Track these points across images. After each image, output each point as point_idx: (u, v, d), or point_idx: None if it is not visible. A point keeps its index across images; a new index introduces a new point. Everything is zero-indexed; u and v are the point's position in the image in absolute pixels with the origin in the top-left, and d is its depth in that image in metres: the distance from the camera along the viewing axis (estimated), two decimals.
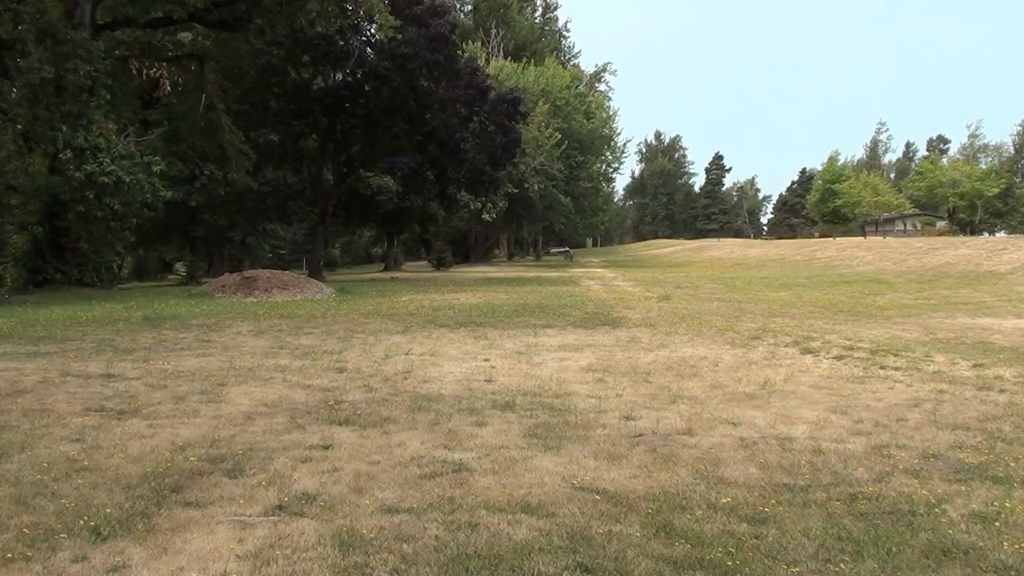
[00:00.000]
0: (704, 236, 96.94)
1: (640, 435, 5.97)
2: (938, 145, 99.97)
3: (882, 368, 8.92)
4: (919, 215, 70.85)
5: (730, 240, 74.43)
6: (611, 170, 75.66)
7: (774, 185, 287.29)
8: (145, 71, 31.07)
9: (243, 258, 44.87)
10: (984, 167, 66.93)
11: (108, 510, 4.27)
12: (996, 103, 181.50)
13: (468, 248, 65.81)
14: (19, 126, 24.65)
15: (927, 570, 3.57)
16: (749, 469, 5.11)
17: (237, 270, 29.64)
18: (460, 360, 9.65)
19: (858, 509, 4.33)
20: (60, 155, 22.71)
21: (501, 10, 68.14)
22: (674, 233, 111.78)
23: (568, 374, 8.73)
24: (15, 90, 22.86)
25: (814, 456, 5.38)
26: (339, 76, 35.06)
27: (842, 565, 3.61)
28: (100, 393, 7.53)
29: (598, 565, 3.61)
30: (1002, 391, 7.57)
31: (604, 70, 79.98)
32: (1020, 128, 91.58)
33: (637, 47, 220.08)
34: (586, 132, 62.40)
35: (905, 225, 69.70)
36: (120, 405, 7.00)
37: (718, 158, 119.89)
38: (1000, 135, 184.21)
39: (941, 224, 65.06)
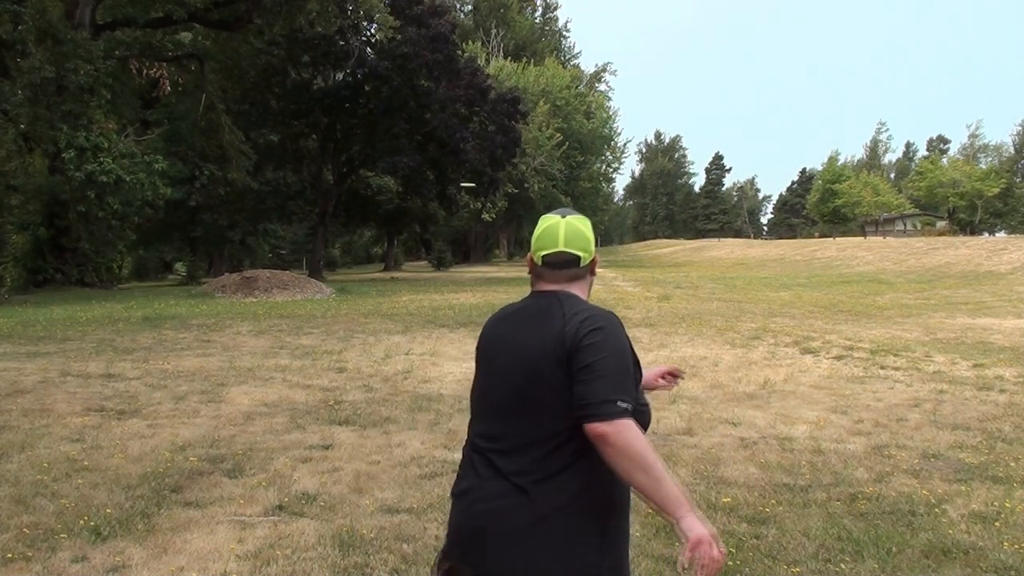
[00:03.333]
0: (704, 236, 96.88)
1: None
2: (938, 145, 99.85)
3: (882, 368, 8.92)
4: (919, 215, 70.78)
5: (730, 240, 74.44)
6: (611, 170, 75.56)
7: (774, 185, 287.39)
8: (145, 71, 31.08)
9: (243, 258, 44.83)
10: (984, 167, 66.89)
11: (108, 510, 4.27)
12: (996, 103, 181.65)
13: (468, 248, 65.79)
14: (21, 126, 24.65)
15: (927, 570, 3.57)
16: (749, 469, 5.11)
17: (237, 270, 29.65)
18: (460, 360, 9.65)
19: (858, 509, 4.33)
20: (63, 154, 22.71)
21: (501, 10, 68.03)
22: (674, 233, 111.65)
23: None
24: (19, 91, 22.84)
25: (814, 456, 5.38)
26: (339, 76, 35.06)
27: (842, 565, 3.61)
28: (100, 393, 7.53)
29: None
30: (1002, 391, 7.57)
31: (604, 70, 79.85)
32: (1020, 128, 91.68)
33: (637, 47, 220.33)
34: (586, 132, 62.32)
35: (905, 225, 69.64)
36: (120, 405, 7.00)
37: (718, 158, 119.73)
38: (1000, 135, 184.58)
39: (941, 224, 65.01)
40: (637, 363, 1.86)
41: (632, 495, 1.87)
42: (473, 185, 37.01)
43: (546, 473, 1.79)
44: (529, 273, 1.99)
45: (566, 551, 1.77)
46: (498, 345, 1.95)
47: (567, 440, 1.78)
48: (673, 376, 2.35)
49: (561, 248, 1.90)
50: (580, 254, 1.91)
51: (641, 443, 1.68)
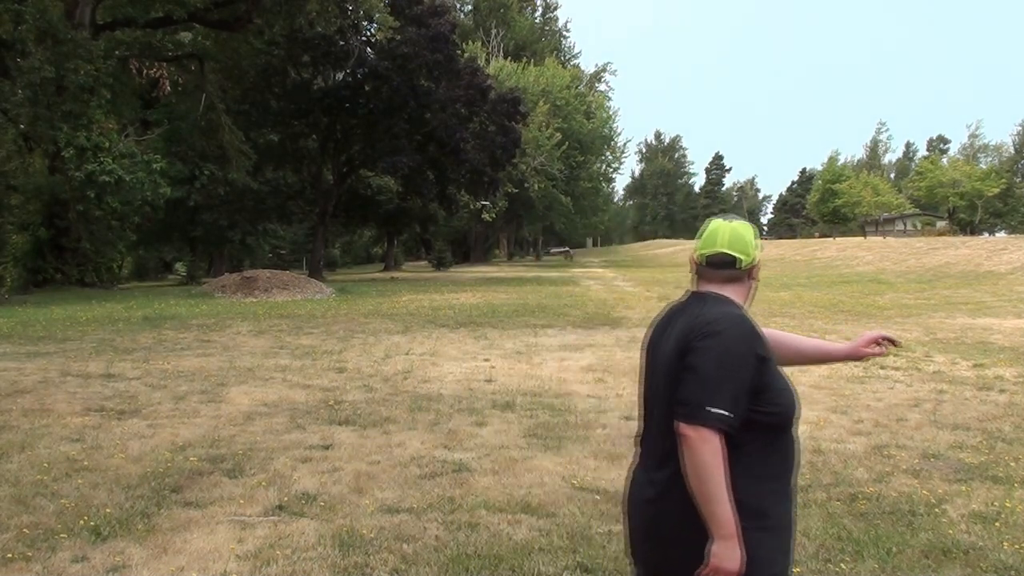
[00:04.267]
0: None
1: None
2: (938, 145, 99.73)
3: (882, 368, 8.92)
4: (919, 215, 70.74)
5: None
6: (611, 170, 75.64)
7: (774, 185, 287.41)
8: (145, 71, 31.07)
9: (243, 258, 44.80)
10: (984, 167, 66.86)
11: (108, 510, 4.27)
12: (996, 103, 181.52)
13: (468, 248, 65.78)
14: (21, 126, 24.63)
15: (927, 570, 3.57)
16: None
17: (237, 270, 29.64)
18: (460, 360, 9.65)
19: (858, 509, 4.33)
20: (63, 153, 22.70)
21: (501, 10, 68.01)
22: (674, 233, 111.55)
23: (568, 374, 8.73)
24: (19, 91, 22.82)
25: (814, 456, 5.38)
26: (339, 76, 35.06)
27: (842, 565, 3.61)
28: (100, 393, 7.53)
29: (598, 565, 3.61)
30: (1002, 391, 7.57)
31: (604, 70, 79.86)
32: (1020, 128, 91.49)
33: (637, 47, 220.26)
34: (586, 132, 62.32)
35: (905, 225, 69.59)
36: (120, 405, 7.00)
37: (718, 158, 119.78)
38: (1000, 135, 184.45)
39: (941, 224, 64.96)
40: (763, 363, 1.89)
41: (778, 501, 1.95)
42: (492, 207, 37.30)
43: (667, 465, 1.91)
44: (691, 272, 2.12)
45: (688, 538, 1.85)
46: (651, 343, 2.14)
47: None
48: (890, 342, 2.40)
49: (722, 249, 2.03)
50: (739, 256, 2.02)
51: (712, 458, 1.79)
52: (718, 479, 1.77)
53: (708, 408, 1.78)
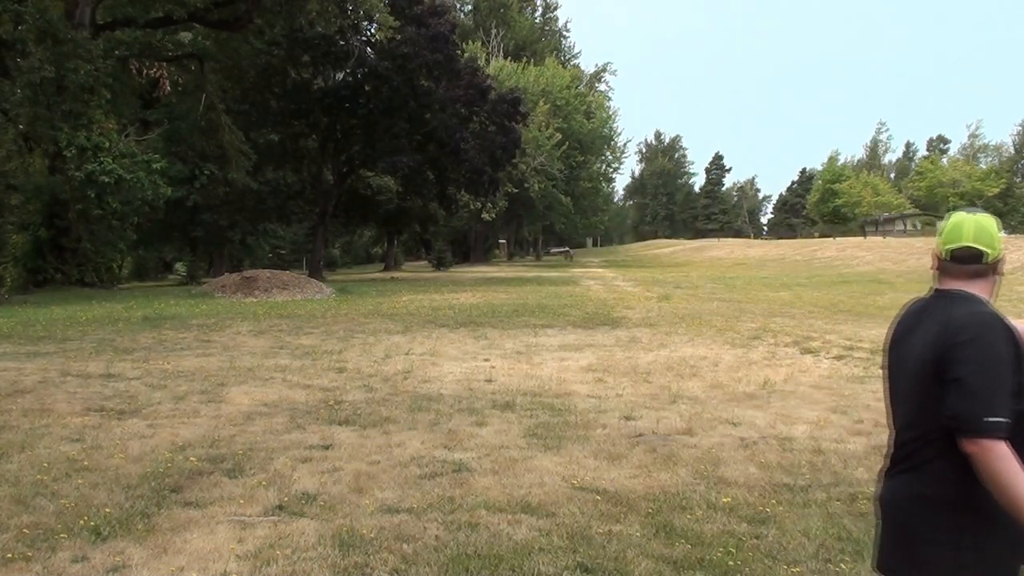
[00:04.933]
0: (704, 236, 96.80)
1: (640, 435, 5.97)
2: (938, 145, 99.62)
3: (882, 368, 8.92)
4: (919, 215, 70.74)
5: (730, 240, 74.36)
6: (611, 170, 75.73)
7: (774, 185, 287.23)
8: (145, 71, 31.08)
9: (243, 258, 44.81)
10: (984, 167, 66.96)
11: (108, 510, 4.27)
12: (996, 103, 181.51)
13: (468, 248, 65.78)
14: (21, 126, 24.64)
15: None
16: (749, 469, 5.11)
17: (237, 270, 29.64)
18: (460, 360, 9.65)
19: (858, 509, 4.33)
20: (64, 153, 22.71)
21: (501, 10, 68.05)
22: (674, 233, 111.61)
23: (568, 374, 8.73)
24: (18, 91, 22.83)
25: (814, 456, 5.38)
26: (339, 76, 35.08)
27: (842, 565, 3.61)
28: (100, 393, 7.53)
29: (598, 565, 3.61)
30: None
31: (604, 70, 79.97)
32: (1020, 128, 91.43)
33: (637, 47, 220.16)
34: (586, 132, 62.37)
35: (905, 225, 69.59)
36: (120, 405, 7.00)
37: (718, 158, 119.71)
38: (1000, 135, 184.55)
39: (941, 224, 64.97)
40: (1021, 361, 1.85)
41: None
42: (503, 241, 37.31)
43: (908, 464, 1.93)
44: (932, 268, 2.05)
45: (907, 543, 1.91)
46: (896, 341, 2.10)
47: (934, 440, 1.86)
48: None
49: (968, 243, 1.96)
50: (986, 250, 1.96)
51: (1006, 465, 1.73)
52: (1015, 484, 1.72)
53: (985, 419, 1.74)
